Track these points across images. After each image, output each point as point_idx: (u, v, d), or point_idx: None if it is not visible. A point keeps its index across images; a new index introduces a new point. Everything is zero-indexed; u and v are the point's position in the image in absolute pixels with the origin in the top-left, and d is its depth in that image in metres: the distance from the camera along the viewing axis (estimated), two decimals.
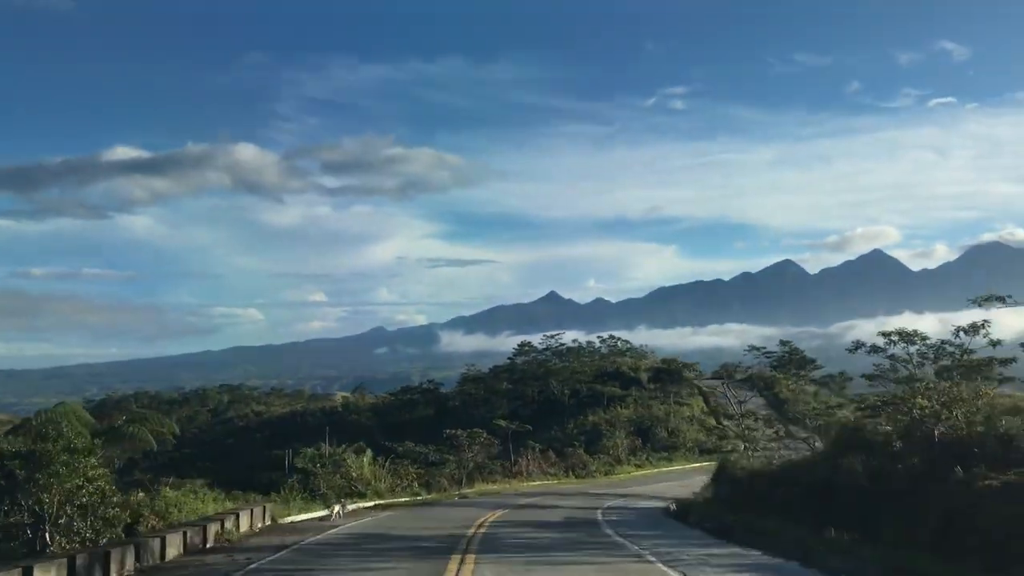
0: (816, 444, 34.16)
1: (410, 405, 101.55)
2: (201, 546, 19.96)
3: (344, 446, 35.40)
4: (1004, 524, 14.18)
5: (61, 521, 17.64)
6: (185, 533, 19.67)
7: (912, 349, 27.65)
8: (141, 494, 22.64)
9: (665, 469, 55.09)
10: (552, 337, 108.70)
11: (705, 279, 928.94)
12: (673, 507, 30.09)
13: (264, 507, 25.60)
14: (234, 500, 27.54)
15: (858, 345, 29.19)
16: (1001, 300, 28.86)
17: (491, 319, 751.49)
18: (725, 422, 77.29)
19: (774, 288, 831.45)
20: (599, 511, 30.00)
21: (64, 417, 28.68)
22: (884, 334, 27.90)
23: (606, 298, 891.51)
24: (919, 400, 18.86)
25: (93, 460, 18.62)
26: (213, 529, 21.15)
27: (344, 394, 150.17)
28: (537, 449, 49.09)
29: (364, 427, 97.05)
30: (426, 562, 16.99)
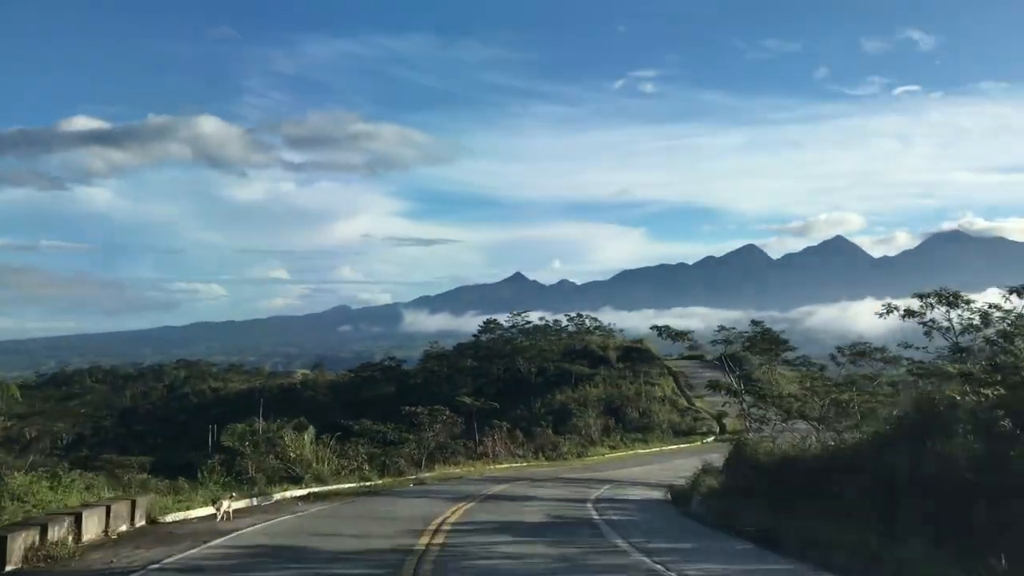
0: (818, 428, 30.98)
1: (370, 382, 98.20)
2: None
3: (280, 421, 30.32)
4: None
5: None
6: None
7: (954, 315, 24.76)
8: None
9: (642, 451, 51.80)
10: (518, 315, 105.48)
11: (670, 262, 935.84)
12: (668, 496, 27.03)
13: (133, 502, 18.40)
14: (125, 488, 21.92)
15: (890, 309, 26.34)
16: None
17: (456, 299, 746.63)
18: (697, 403, 74.96)
19: (737, 272, 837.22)
20: (589, 504, 24.47)
21: None
22: (920, 295, 25.13)
23: (571, 280, 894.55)
24: None
25: None
26: (26, 539, 13.74)
27: (304, 371, 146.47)
28: (504, 428, 45.47)
29: (321, 404, 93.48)
30: None
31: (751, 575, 13.87)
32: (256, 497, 23.42)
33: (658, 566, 13.53)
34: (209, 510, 20.35)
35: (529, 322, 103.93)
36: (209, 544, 15.69)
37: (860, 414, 28.89)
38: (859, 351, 37.70)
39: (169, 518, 19.47)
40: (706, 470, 26.06)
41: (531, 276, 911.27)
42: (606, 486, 31.68)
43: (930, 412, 13.91)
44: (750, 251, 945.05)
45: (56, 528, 14.74)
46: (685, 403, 74.03)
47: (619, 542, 16.66)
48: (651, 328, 40.24)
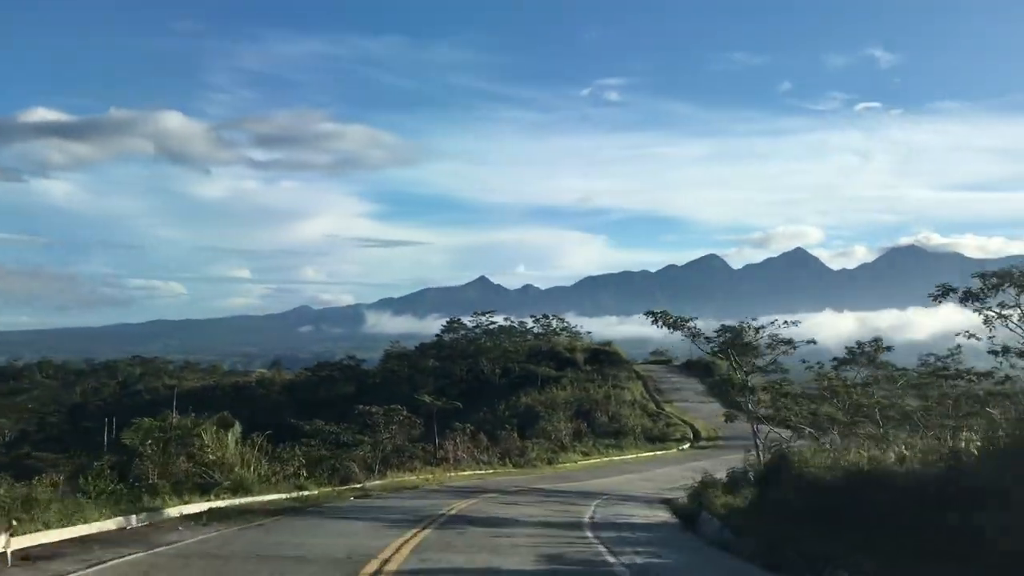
0: (807, 432, 28.12)
1: (328, 382, 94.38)
2: None
3: (199, 417, 25.58)
4: None
5: None
6: None
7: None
8: None
9: (617, 458, 48.52)
10: (483, 315, 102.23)
11: (633, 270, 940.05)
12: (673, 516, 22.10)
13: None
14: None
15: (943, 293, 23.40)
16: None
17: (420, 301, 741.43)
18: (667, 408, 72.42)
19: (698, 281, 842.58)
20: (587, 531, 18.43)
21: None
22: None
23: (536, 285, 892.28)
24: None
25: None
26: None
27: (262, 370, 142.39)
28: (467, 431, 41.90)
29: (274, 404, 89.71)
30: None
31: None
32: (140, 514, 17.12)
33: None
34: (56, 534, 14.16)
35: (494, 322, 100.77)
36: None
37: (884, 419, 26.06)
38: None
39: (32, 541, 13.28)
40: (707, 483, 22.90)
41: (496, 280, 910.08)
42: (595, 502, 26.09)
43: None
44: (711, 260, 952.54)
45: None
46: (655, 408, 71.41)
47: None
48: (645, 314, 36.55)
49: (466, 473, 35.88)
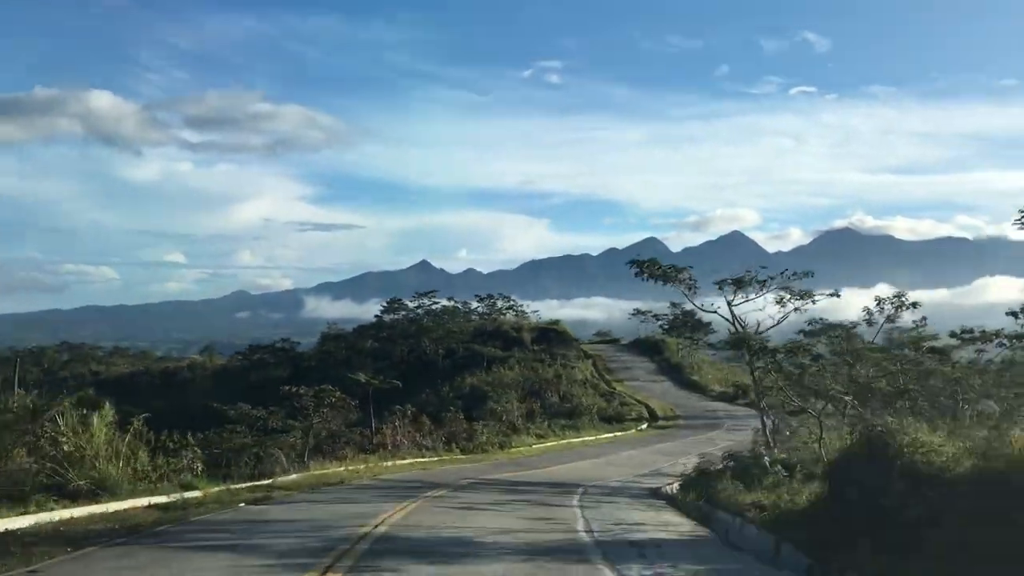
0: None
1: (261, 366, 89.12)
2: None
3: (54, 396, 20.40)
4: None
5: None
6: None
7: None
8: None
9: (575, 440, 44.69)
10: (425, 295, 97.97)
11: (574, 253, 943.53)
12: (686, 519, 16.76)
13: None
14: None
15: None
16: None
17: (360, 286, 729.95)
18: (617, 388, 69.56)
19: None
20: (601, 562, 11.75)
21: None
22: None
23: (478, 269, 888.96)
24: None
25: None
26: None
27: (196, 356, 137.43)
28: (408, 413, 37.72)
29: (204, 390, 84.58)
30: None
31: None
32: None
33: None
34: None
35: (437, 303, 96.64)
36: None
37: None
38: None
39: None
40: (704, 470, 19.34)
41: (438, 264, 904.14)
42: (574, 499, 20.07)
43: None
44: (651, 244, 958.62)
45: None
46: (607, 387, 68.50)
47: None
48: (628, 263, 31.87)
49: (406, 461, 31.01)
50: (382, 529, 14.20)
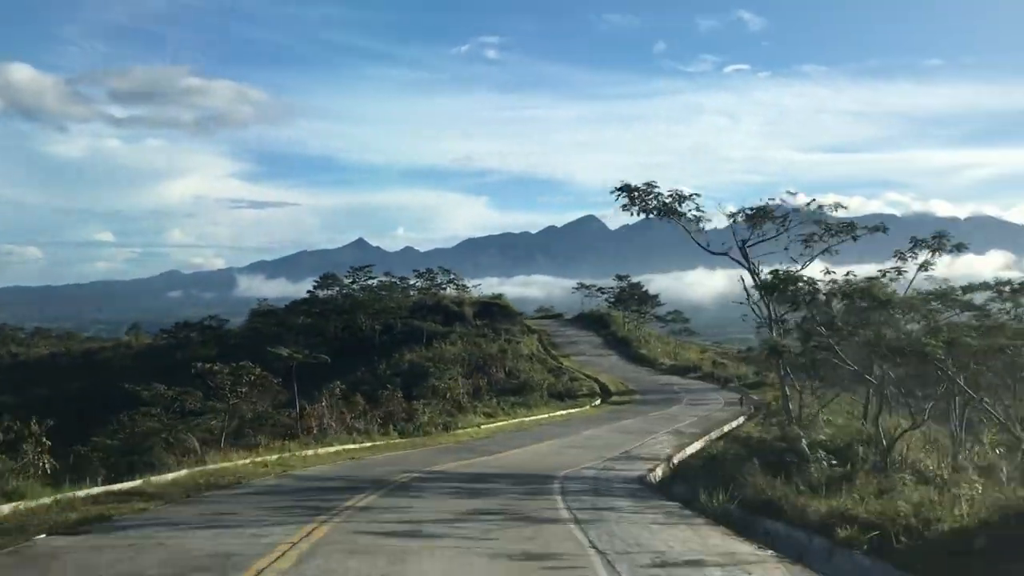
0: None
1: (186, 344, 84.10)
2: None
3: None
4: None
5: None
6: None
7: None
8: None
9: (528, 419, 40.66)
10: (360, 270, 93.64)
11: (513, 231, 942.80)
12: (737, 538, 11.46)
13: None
14: None
15: None
16: None
17: (295, 264, 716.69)
18: (564, 362, 66.80)
19: (577, 242, 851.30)
20: None
21: None
22: None
23: (416, 247, 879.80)
24: None
25: None
26: None
27: (124, 337, 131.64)
28: (337, 391, 33.48)
29: (120, 369, 79.42)
30: None
31: None
32: None
33: None
34: None
35: (373, 278, 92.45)
36: None
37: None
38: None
39: None
40: (716, 456, 15.91)
41: (375, 242, 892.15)
42: (559, 506, 14.40)
43: None
44: (590, 221, 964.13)
45: None
46: (554, 362, 65.66)
47: None
48: (611, 192, 28.10)
49: (334, 449, 25.74)
50: None
